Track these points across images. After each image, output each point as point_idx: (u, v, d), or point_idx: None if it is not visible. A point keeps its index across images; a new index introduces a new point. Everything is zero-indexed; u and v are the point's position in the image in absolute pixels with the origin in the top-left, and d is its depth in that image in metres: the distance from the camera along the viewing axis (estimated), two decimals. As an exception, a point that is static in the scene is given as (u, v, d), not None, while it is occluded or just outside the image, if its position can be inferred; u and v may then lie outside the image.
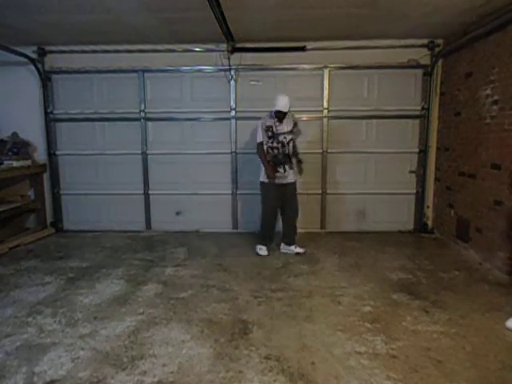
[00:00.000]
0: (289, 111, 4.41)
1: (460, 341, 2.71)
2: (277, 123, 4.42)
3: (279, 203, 4.59)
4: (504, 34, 3.94)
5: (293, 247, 4.68)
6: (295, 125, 4.56)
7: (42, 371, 2.41)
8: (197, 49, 5.40)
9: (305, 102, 5.45)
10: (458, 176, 4.87)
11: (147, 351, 2.61)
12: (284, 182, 4.49)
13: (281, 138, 4.43)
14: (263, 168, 4.47)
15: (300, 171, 4.70)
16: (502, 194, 3.97)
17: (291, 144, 4.50)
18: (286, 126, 4.45)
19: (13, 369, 2.44)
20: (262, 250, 4.64)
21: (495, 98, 4.08)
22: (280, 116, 4.39)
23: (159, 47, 5.40)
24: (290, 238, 4.70)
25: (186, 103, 5.58)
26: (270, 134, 4.42)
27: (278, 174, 4.45)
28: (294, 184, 4.58)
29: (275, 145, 4.43)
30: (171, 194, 5.77)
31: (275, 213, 4.66)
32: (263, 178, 4.52)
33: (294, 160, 4.58)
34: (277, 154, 4.44)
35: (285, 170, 4.46)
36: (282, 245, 4.76)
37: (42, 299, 3.45)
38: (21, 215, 5.72)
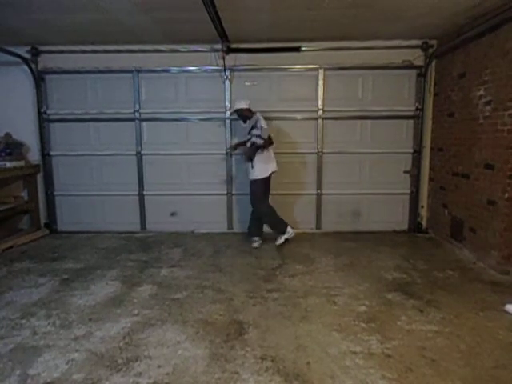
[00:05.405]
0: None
1: (454, 340, 2.73)
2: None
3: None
4: (496, 35, 3.97)
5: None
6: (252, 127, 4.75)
7: (36, 374, 2.39)
8: (191, 49, 5.40)
9: (299, 102, 5.49)
10: (452, 176, 4.91)
11: (142, 352, 2.60)
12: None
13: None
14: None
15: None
16: (495, 193, 4.01)
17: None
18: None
19: (6, 371, 2.42)
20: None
21: (488, 98, 4.12)
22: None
23: (154, 47, 5.39)
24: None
25: (180, 103, 5.57)
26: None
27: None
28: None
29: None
30: (166, 194, 5.75)
31: None
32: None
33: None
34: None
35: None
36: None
37: (36, 301, 3.42)
38: (14, 216, 5.67)
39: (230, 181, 5.68)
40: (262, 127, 4.62)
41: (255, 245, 4.93)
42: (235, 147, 5.21)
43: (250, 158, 4.73)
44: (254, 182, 4.81)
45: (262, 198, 4.87)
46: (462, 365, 2.44)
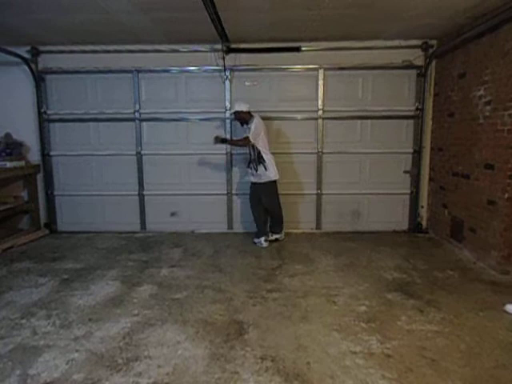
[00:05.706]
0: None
1: (454, 340, 2.73)
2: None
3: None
4: (496, 35, 3.97)
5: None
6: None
7: (36, 374, 2.39)
8: (191, 49, 5.40)
9: (300, 102, 5.50)
10: (452, 176, 4.91)
11: (142, 352, 2.60)
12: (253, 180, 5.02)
13: None
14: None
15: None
16: (495, 193, 4.01)
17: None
18: None
19: (6, 372, 2.42)
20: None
21: (488, 98, 4.12)
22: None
23: (154, 47, 5.39)
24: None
25: (180, 103, 5.57)
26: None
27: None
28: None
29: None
30: (166, 194, 5.75)
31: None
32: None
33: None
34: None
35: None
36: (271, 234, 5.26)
37: (36, 301, 3.43)
38: (14, 216, 5.68)
39: (230, 180, 5.69)
40: (250, 128, 4.75)
41: (264, 245, 5.02)
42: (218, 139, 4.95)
43: (216, 141, 4.84)
44: (267, 184, 4.90)
45: (278, 197, 5.08)
46: (462, 365, 2.44)
